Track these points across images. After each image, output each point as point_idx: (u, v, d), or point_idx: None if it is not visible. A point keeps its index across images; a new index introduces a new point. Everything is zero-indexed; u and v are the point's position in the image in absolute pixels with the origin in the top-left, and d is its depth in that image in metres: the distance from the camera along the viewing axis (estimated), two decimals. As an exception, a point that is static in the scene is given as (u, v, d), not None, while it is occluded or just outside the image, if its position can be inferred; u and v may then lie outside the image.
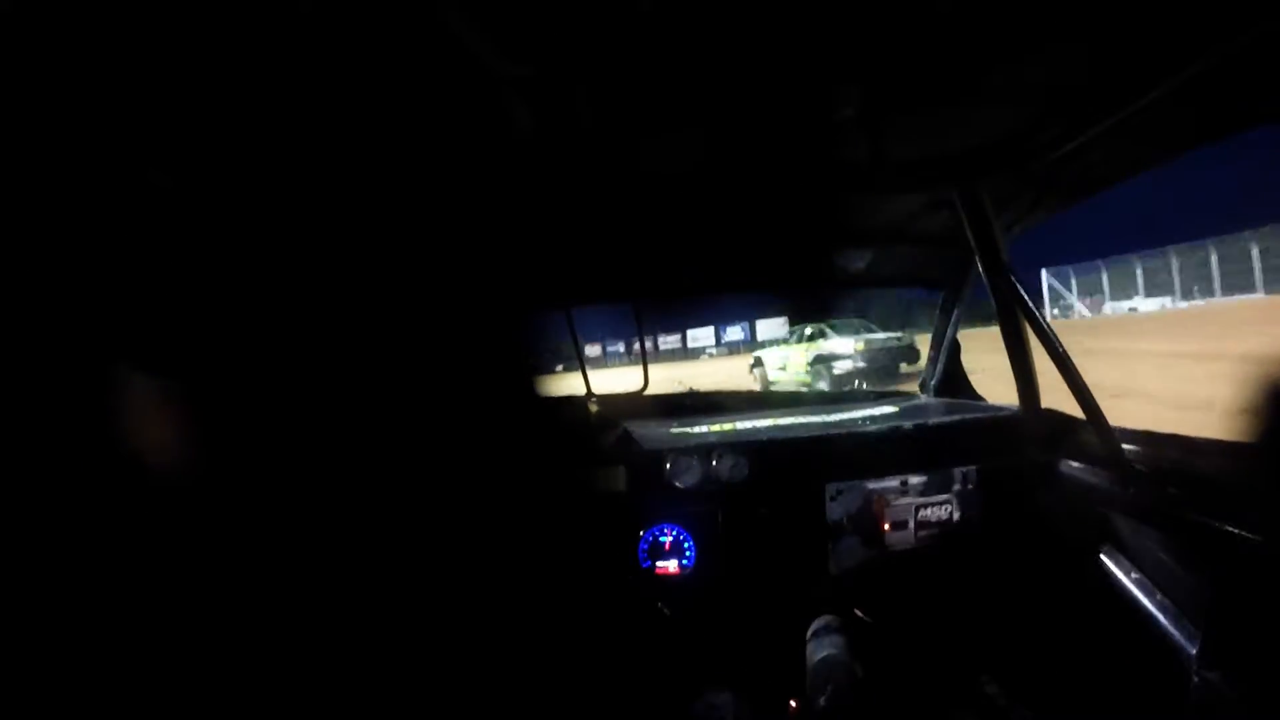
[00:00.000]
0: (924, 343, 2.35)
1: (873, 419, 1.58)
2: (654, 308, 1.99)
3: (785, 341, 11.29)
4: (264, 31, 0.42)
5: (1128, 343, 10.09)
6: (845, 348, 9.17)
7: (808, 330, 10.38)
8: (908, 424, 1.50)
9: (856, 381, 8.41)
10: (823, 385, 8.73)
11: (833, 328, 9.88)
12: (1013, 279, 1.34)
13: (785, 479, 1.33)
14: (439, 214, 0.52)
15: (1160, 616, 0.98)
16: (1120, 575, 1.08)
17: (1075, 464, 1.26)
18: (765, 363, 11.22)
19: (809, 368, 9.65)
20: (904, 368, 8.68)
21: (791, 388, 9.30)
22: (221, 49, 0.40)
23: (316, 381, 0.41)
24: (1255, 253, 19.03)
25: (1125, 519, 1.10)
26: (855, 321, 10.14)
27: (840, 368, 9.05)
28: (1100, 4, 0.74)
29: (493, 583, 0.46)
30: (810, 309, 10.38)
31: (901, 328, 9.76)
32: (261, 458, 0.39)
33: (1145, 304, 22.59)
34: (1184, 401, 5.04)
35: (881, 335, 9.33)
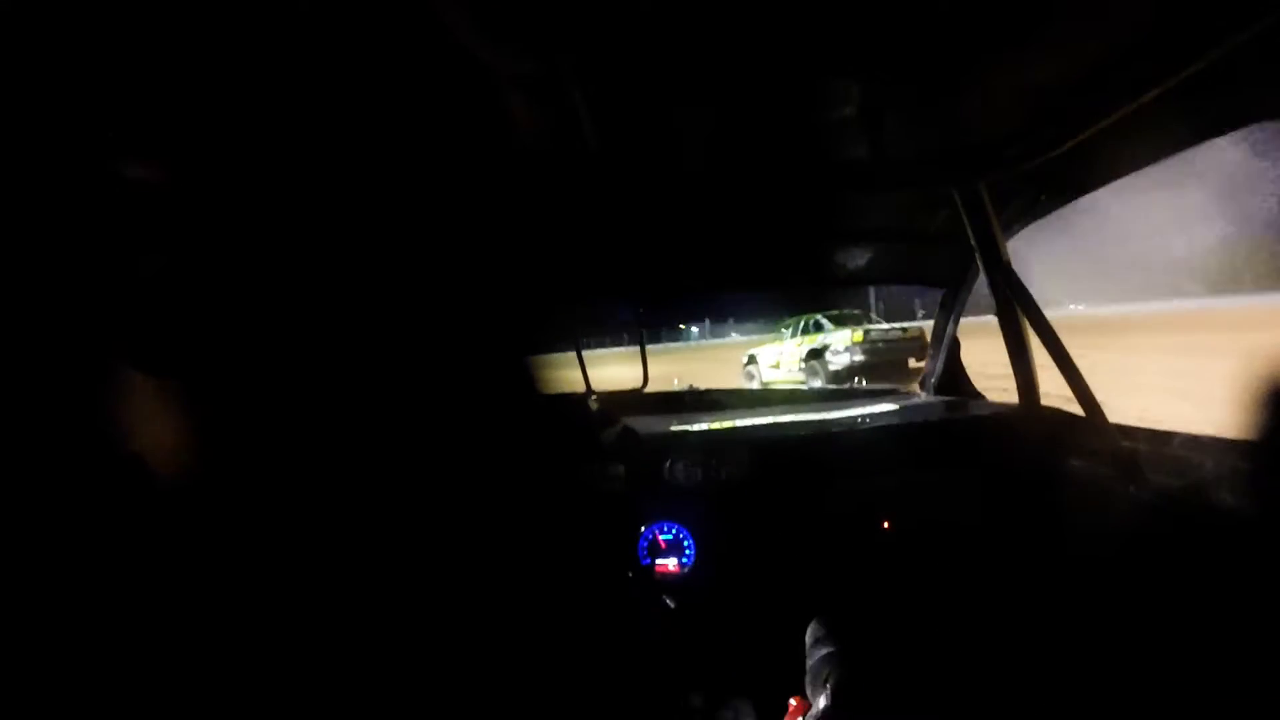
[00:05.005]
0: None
1: (873, 417, 1.58)
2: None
3: (779, 337, 10.37)
4: (263, 31, 0.42)
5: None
6: (841, 341, 8.51)
7: (801, 323, 9.55)
8: (908, 421, 1.50)
9: (857, 379, 7.71)
10: (818, 384, 8.16)
11: (832, 319, 9.06)
12: (1013, 276, 1.34)
13: (785, 477, 1.33)
14: (438, 213, 0.52)
15: (1160, 615, 0.98)
16: (1120, 573, 1.08)
17: (1075, 462, 1.26)
18: (759, 360, 10.37)
19: (803, 364, 9.04)
20: (912, 363, 8.05)
21: (789, 387, 8.65)
22: (221, 48, 0.40)
23: (316, 380, 0.41)
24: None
25: (1125, 517, 1.10)
26: (856, 313, 9.41)
27: (836, 363, 8.49)
28: (1099, 3, 0.74)
29: (492, 580, 0.46)
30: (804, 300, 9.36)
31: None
32: (261, 456, 0.39)
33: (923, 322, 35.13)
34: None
35: (884, 326, 8.73)
